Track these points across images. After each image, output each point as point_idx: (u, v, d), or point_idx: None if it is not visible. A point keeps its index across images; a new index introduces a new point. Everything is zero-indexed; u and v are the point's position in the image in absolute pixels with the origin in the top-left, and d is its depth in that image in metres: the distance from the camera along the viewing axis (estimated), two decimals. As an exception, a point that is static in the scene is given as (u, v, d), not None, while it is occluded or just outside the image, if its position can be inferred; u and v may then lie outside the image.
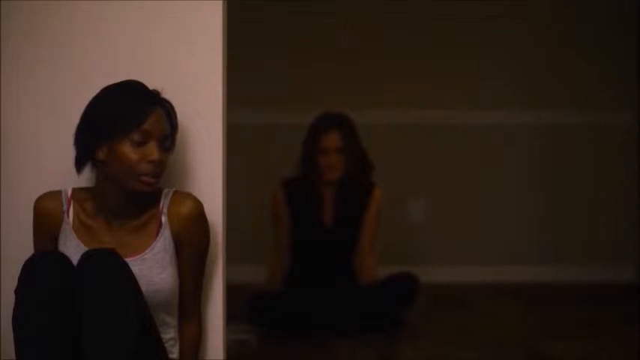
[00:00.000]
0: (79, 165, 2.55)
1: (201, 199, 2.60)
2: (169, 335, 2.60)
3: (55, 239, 2.57)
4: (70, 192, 2.59)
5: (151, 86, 2.58)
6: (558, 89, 5.87)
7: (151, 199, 2.57)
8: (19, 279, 2.34)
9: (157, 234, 2.56)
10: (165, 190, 2.60)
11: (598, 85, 5.86)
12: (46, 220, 2.57)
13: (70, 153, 2.58)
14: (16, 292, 2.34)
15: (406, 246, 5.73)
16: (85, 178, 2.60)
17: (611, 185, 5.87)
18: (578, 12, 5.87)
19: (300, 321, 4.29)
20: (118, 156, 2.48)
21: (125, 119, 2.47)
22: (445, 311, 4.90)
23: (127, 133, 2.47)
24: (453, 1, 5.76)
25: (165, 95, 2.58)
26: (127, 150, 2.47)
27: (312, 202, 4.49)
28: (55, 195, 2.58)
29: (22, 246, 2.61)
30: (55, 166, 2.63)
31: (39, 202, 2.58)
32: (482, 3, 5.77)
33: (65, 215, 2.56)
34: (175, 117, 2.59)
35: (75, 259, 2.40)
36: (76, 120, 2.58)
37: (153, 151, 2.49)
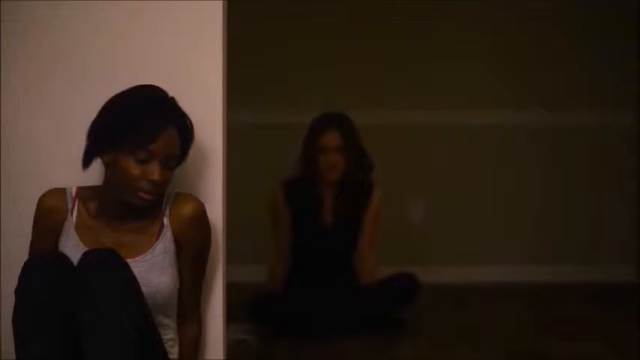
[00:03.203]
0: (86, 161, 2.53)
1: (201, 200, 2.60)
2: (168, 336, 2.60)
3: (56, 237, 2.56)
4: (74, 190, 2.58)
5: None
6: (558, 89, 5.87)
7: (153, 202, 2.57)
8: (19, 279, 2.34)
9: (158, 235, 2.55)
10: (168, 192, 2.59)
11: (598, 85, 5.86)
12: (49, 218, 2.56)
13: (70, 153, 2.58)
14: (16, 292, 2.34)
15: (406, 246, 5.73)
16: (85, 179, 2.60)
17: (611, 185, 5.87)
18: (578, 12, 5.86)
19: (300, 321, 4.29)
20: (120, 167, 2.46)
21: (134, 136, 2.44)
22: (445, 311, 4.89)
23: (132, 149, 2.45)
24: (453, 1, 5.76)
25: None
26: (130, 165, 2.45)
27: (312, 202, 4.49)
28: (60, 193, 2.57)
29: (22, 246, 2.61)
30: (55, 165, 2.63)
31: (44, 198, 2.57)
32: (482, 3, 5.77)
33: (69, 214, 2.56)
34: (191, 132, 2.56)
35: (74, 258, 2.40)
36: (76, 119, 2.58)
37: (154, 170, 2.46)
